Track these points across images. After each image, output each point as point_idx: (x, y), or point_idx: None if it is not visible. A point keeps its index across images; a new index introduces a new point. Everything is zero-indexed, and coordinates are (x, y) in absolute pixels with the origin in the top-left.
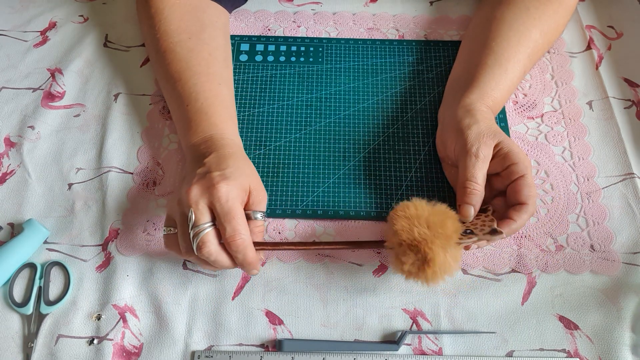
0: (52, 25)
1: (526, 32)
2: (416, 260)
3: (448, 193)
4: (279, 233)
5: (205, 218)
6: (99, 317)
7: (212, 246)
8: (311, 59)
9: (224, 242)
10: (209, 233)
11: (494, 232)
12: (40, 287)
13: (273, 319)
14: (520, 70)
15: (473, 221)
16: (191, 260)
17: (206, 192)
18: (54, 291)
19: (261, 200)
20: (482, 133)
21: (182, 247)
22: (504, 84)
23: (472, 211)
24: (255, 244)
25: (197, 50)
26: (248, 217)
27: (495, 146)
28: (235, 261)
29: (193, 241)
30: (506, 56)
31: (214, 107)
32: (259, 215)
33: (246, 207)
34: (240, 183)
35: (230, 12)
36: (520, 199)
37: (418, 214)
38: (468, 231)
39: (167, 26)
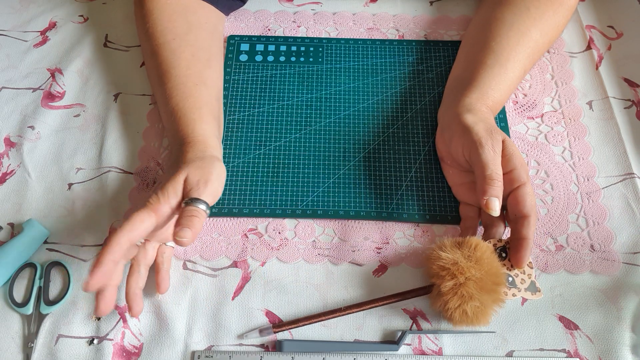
0: (52, 25)
1: (526, 32)
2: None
3: (448, 193)
4: (279, 233)
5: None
6: (99, 317)
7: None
8: (311, 59)
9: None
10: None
11: (533, 288)
12: (40, 287)
13: (273, 319)
14: (520, 70)
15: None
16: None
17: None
18: (54, 291)
19: (198, 183)
20: (489, 129)
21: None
22: (503, 84)
23: (498, 205)
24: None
25: (180, 52)
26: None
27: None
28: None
29: None
30: (506, 56)
31: (184, 110)
32: (191, 202)
33: (184, 195)
34: (169, 180)
35: (226, 14)
36: (524, 210)
37: (474, 292)
38: (510, 279)
39: (154, 28)
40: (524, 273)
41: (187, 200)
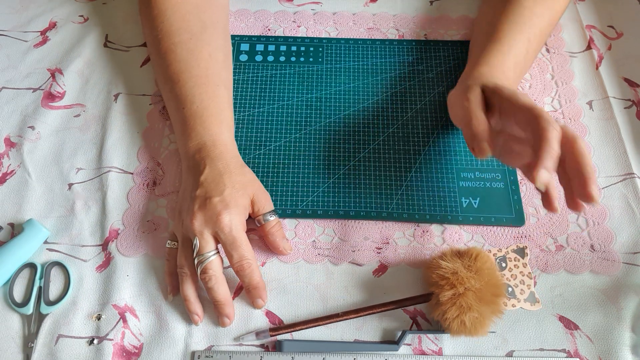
0: (52, 26)
1: (532, 10)
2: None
3: (448, 193)
4: None
5: (209, 247)
6: (99, 317)
7: (214, 273)
8: (311, 59)
9: (232, 267)
10: (212, 261)
11: (532, 298)
12: (40, 287)
13: (273, 319)
14: (525, 49)
15: (513, 270)
16: (182, 282)
17: (210, 222)
18: (54, 291)
19: (265, 203)
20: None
21: (179, 264)
22: (513, 61)
23: (486, 147)
24: (276, 329)
25: (197, 51)
26: (260, 222)
27: (496, 92)
28: (225, 297)
29: (198, 267)
30: (513, 35)
31: (209, 111)
32: (269, 217)
33: (255, 215)
34: (240, 206)
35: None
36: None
37: (472, 303)
38: (510, 289)
39: (169, 27)
40: (524, 283)
41: (264, 217)
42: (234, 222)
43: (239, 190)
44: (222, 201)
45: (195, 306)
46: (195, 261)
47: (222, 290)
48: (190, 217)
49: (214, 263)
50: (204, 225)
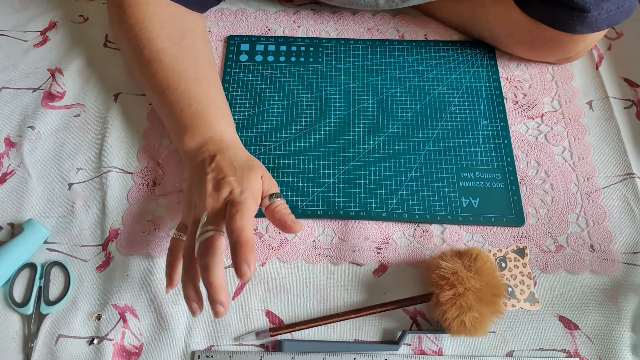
0: (52, 25)
1: None
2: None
3: (448, 193)
4: (279, 233)
5: (216, 222)
6: (99, 317)
7: (214, 249)
8: (311, 59)
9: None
10: (216, 234)
11: (532, 299)
12: (40, 287)
13: (273, 319)
14: None
15: (512, 270)
16: (184, 268)
17: (222, 198)
18: (54, 291)
19: (271, 185)
20: None
21: (185, 246)
22: None
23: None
24: (279, 327)
25: (182, 57)
26: (264, 204)
27: None
28: (220, 280)
29: (197, 240)
30: None
31: (209, 110)
32: (274, 197)
33: (262, 196)
34: (255, 189)
35: (202, 12)
36: None
37: (472, 303)
38: (509, 289)
39: (148, 34)
40: (523, 284)
41: (269, 198)
42: (247, 202)
43: (251, 172)
44: (237, 180)
45: (195, 295)
46: (198, 233)
47: (218, 271)
48: (204, 195)
49: (216, 238)
50: (217, 202)
